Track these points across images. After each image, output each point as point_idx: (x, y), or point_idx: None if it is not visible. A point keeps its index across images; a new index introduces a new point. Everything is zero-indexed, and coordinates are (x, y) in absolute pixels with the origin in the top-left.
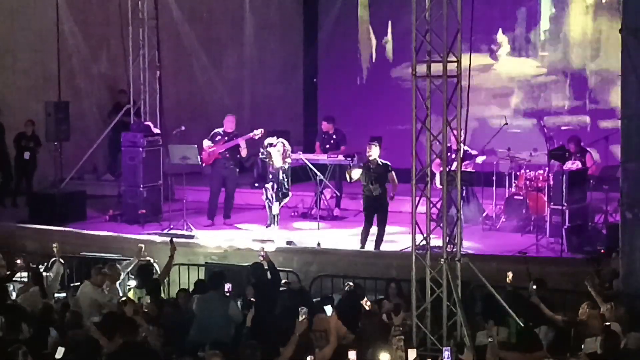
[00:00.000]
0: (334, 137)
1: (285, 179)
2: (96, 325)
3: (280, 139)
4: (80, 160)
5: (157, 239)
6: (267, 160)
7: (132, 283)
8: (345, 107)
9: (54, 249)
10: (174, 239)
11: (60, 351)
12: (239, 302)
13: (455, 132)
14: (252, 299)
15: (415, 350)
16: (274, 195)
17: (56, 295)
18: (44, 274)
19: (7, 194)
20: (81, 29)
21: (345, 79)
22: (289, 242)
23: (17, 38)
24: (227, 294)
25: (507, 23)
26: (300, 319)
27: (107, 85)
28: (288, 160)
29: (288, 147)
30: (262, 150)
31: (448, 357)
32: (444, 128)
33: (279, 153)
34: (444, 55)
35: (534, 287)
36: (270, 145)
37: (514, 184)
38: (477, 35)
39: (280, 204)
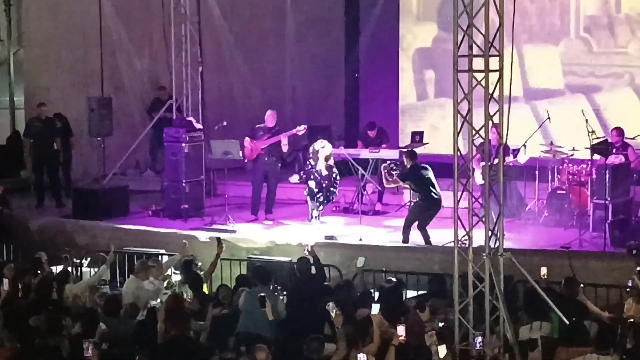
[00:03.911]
0: (377, 141)
1: (331, 184)
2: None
3: (325, 142)
4: (123, 155)
5: (200, 234)
6: (313, 162)
7: (176, 278)
8: (387, 101)
9: (110, 253)
10: (217, 235)
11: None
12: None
13: (497, 127)
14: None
15: (444, 346)
16: (316, 195)
17: (102, 290)
18: (85, 269)
19: (49, 189)
20: (124, 25)
21: (387, 74)
22: (328, 237)
23: (61, 34)
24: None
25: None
26: (332, 314)
27: (149, 81)
28: (331, 161)
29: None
30: (309, 154)
31: (480, 343)
32: (486, 122)
33: (323, 156)
34: (486, 50)
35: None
36: (319, 148)
37: (556, 179)
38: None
39: (322, 207)
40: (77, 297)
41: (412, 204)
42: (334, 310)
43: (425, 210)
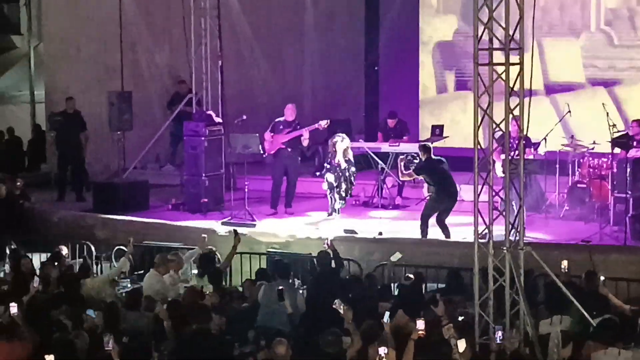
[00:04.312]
0: (397, 131)
1: (348, 177)
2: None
3: (343, 135)
4: (143, 150)
5: (219, 228)
6: (331, 155)
7: (195, 272)
8: (407, 95)
9: (129, 245)
10: (236, 229)
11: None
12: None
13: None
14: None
15: (464, 340)
16: (335, 188)
17: (122, 283)
18: (105, 263)
19: (70, 183)
20: (144, 19)
21: (407, 67)
22: (348, 231)
23: (81, 28)
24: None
25: None
26: (341, 310)
27: (169, 75)
28: (349, 155)
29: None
30: (329, 145)
31: (500, 338)
32: (506, 115)
33: (342, 150)
34: (506, 43)
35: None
36: (337, 141)
37: (577, 172)
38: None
39: (343, 201)
40: (98, 290)
41: (428, 198)
42: (342, 306)
43: (440, 203)
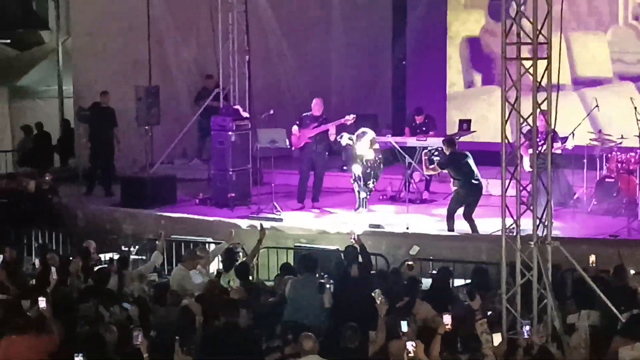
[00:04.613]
0: (424, 127)
1: (373, 170)
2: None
3: (368, 129)
4: (171, 144)
5: (246, 222)
6: (353, 146)
7: (221, 266)
8: (434, 90)
9: (160, 240)
10: (263, 223)
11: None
12: (330, 286)
13: (545, 114)
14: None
15: (500, 334)
16: (361, 180)
17: (150, 278)
18: (133, 257)
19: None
20: (171, 13)
21: (435, 62)
22: (374, 226)
23: (108, 23)
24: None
25: None
26: (378, 301)
27: (197, 69)
28: (375, 147)
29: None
30: (350, 136)
31: (527, 332)
32: (534, 110)
33: (367, 142)
34: (534, 38)
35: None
36: (362, 134)
37: (605, 167)
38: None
39: (366, 193)
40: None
41: (453, 192)
42: (380, 298)
43: (465, 197)
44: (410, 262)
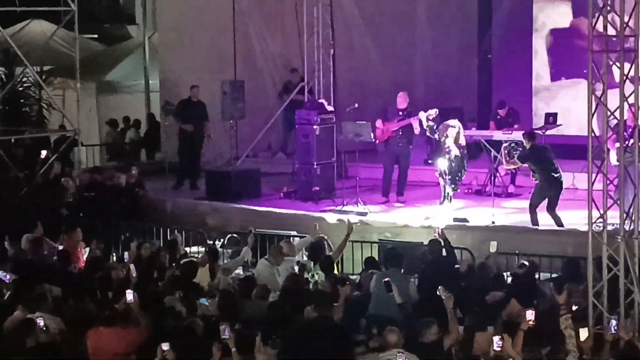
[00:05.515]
0: (509, 120)
1: (460, 162)
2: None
3: (455, 121)
4: (255, 138)
5: (329, 216)
6: (442, 139)
7: (306, 260)
8: (520, 83)
9: (250, 235)
10: (348, 217)
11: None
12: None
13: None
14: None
15: (586, 329)
16: (447, 175)
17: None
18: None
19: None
20: (257, 8)
21: (521, 54)
22: (458, 220)
23: (194, 18)
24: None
25: None
26: (444, 296)
27: (281, 63)
28: (462, 141)
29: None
30: (437, 129)
31: (614, 327)
32: (621, 103)
33: (453, 135)
34: (621, 30)
35: None
36: (449, 127)
37: None
38: None
39: (453, 185)
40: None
41: (535, 186)
42: (445, 293)
43: (546, 191)
44: (524, 262)
